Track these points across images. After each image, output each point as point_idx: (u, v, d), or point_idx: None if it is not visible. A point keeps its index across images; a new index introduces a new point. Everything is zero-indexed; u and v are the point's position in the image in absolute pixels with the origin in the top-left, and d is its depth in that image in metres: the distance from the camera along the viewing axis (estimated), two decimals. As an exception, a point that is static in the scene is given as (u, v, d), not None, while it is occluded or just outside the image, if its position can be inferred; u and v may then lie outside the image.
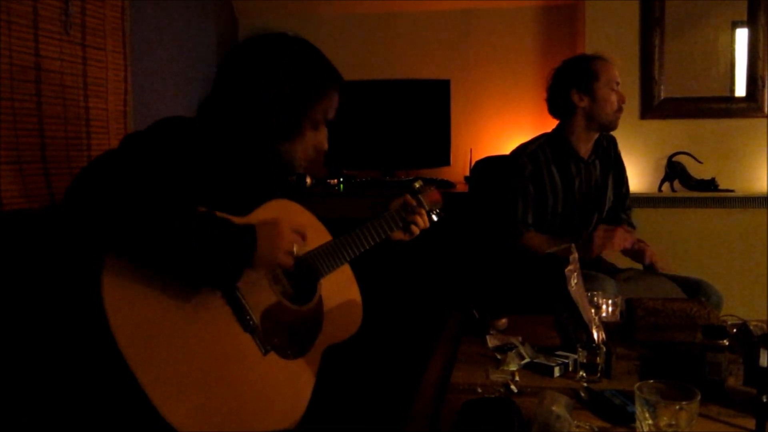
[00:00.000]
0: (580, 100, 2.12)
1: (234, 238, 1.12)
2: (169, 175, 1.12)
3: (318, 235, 1.40)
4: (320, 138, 1.37)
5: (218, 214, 1.15)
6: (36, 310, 1.53)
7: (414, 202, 1.53)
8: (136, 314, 1.05)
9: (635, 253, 2.14)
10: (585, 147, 2.19)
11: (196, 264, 1.08)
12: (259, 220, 1.25)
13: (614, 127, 2.16)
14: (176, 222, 1.06)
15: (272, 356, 1.22)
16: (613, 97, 2.11)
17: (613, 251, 2.12)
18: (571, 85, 2.12)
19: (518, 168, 2.14)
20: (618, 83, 2.12)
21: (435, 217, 1.60)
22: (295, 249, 1.22)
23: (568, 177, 2.17)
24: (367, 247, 1.44)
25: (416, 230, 1.54)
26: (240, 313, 1.18)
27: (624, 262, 2.24)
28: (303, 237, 1.26)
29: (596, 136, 2.20)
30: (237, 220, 1.20)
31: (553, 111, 2.22)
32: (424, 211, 1.54)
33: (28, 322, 1.52)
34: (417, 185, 1.58)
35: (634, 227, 2.28)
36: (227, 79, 1.32)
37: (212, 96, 1.33)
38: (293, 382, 1.25)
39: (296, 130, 1.32)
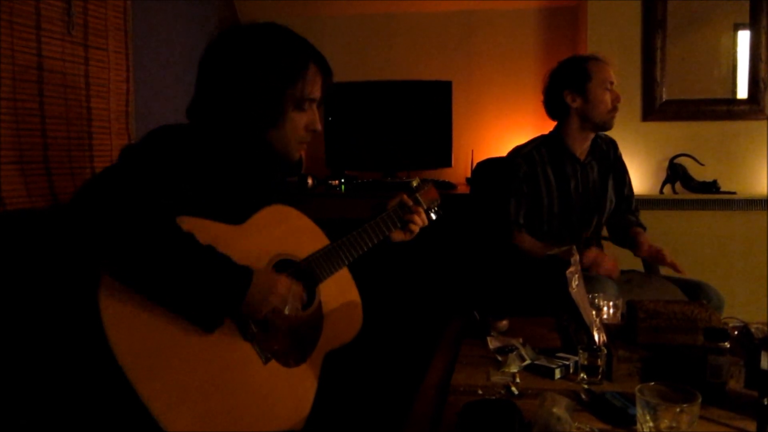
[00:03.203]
0: (573, 101, 2.12)
1: (224, 284, 1.10)
2: (168, 192, 1.11)
3: (315, 240, 1.40)
4: (310, 118, 1.35)
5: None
6: (37, 313, 1.52)
7: (410, 201, 1.52)
8: (134, 326, 1.05)
9: (654, 257, 2.14)
10: (580, 148, 2.19)
11: (178, 298, 1.08)
12: (255, 226, 1.25)
13: (609, 127, 2.15)
14: (174, 251, 1.06)
15: (273, 364, 1.21)
16: (607, 97, 2.10)
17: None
18: (564, 86, 2.13)
19: (513, 168, 2.16)
20: (612, 83, 2.12)
21: (434, 215, 1.59)
22: (286, 310, 1.21)
23: (564, 177, 2.17)
24: (365, 250, 1.43)
25: (415, 229, 1.52)
26: (239, 321, 1.18)
27: (625, 265, 2.24)
28: (302, 300, 1.25)
29: (592, 136, 2.20)
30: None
31: (549, 113, 2.23)
32: (422, 210, 1.54)
33: (29, 325, 1.52)
34: (414, 184, 1.58)
35: (644, 228, 2.27)
36: (205, 77, 1.31)
37: (196, 97, 1.32)
38: (295, 388, 1.25)
39: (279, 113, 1.29)
